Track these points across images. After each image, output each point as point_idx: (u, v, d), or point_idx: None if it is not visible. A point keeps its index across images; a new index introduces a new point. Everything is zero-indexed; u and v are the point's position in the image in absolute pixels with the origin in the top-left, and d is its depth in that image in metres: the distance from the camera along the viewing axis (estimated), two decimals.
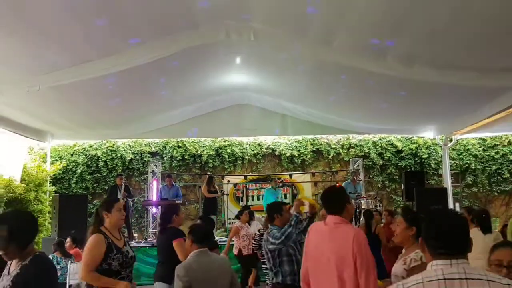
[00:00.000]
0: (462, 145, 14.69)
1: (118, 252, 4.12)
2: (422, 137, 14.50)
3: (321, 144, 14.89)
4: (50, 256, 8.16)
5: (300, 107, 12.10)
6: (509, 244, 3.12)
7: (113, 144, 14.56)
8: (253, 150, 14.76)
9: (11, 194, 10.86)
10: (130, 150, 14.62)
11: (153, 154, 14.75)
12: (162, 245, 5.41)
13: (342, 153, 14.82)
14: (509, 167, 14.59)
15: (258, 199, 14.10)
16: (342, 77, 8.76)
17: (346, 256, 3.31)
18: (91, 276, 3.98)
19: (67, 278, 7.96)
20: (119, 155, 14.49)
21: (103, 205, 4.33)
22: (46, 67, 7.40)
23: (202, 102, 11.86)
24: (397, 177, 14.68)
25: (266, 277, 8.06)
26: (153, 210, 12.68)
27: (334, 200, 3.66)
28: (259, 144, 14.86)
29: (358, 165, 13.91)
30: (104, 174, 14.44)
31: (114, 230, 4.25)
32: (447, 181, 12.66)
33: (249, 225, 9.15)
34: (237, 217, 9.60)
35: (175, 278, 3.97)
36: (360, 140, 14.87)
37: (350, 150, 14.85)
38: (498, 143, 14.77)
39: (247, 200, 13.72)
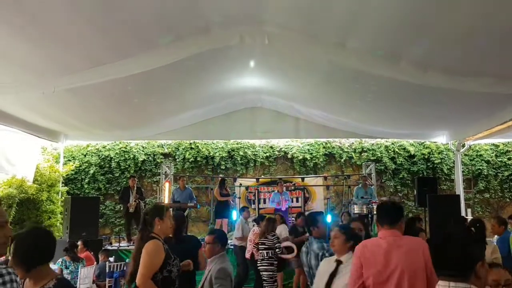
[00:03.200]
0: (474, 151, 14.62)
1: (175, 259, 4.06)
2: (434, 142, 14.46)
3: (333, 147, 14.86)
4: (60, 260, 8.20)
5: (313, 110, 12.07)
6: (498, 265, 3.35)
7: (126, 145, 14.64)
8: (265, 153, 14.78)
9: (23, 195, 10.95)
10: (143, 151, 14.68)
11: (165, 155, 14.80)
12: (186, 253, 4.96)
13: (355, 157, 14.79)
14: None
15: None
16: (356, 81, 8.72)
17: (418, 268, 3.36)
18: (150, 285, 3.82)
19: (78, 283, 7.94)
20: (131, 156, 14.55)
21: (155, 211, 4.20)
22: (62, 70, 7.43)
23: (215, 105, 11.87)
24: (409, 182, 14.63)
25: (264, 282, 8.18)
26: None
27: (394, 215, 3.72)
28: (271, 147, 14.87)
29: (371, 169, 13.87)
30: (117, 175, 14.50)
31: (162, 238, 4.15)
32: (459, 187, 12.58)
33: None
34: (257, 222, 9.61)
35: (228, 279, 4.06)
36: (373, 144, 14.84)
37: (362, 154, 14.82)
38: (510, 149, 14.70)
39: (258, 203, 13.69)
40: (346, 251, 4.10)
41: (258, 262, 8.38)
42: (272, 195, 12.91)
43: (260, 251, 8.36)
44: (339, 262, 4.04)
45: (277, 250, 8.28)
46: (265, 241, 8.33)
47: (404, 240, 3.60)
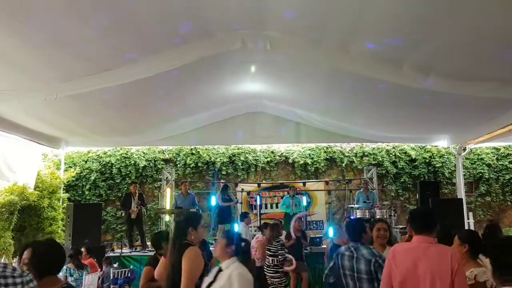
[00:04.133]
0: (475, 154, 14.62)
1: (206, 265, 4.07)
2: (435, 146, 14.45)
3: (334, 152, 14.86)
4: (64, 268, 8.14)
5: (314, 115, 12.07)
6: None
7: (127, 151, 14.62)
8: (266, 158, 14.76)
9: (25, 202, 10.93)
10: (143, 157, 14.67)
11: (166, 161, 14.78)
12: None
13: (356, 161, 14.78)
14: None
15: (271, 207, 14.08)
16: (358, 85, 8.72)
17: (446, 274, 3.49)
18: None
19: None
20: (132, 162, 14.54)
21: (190, 220, 4.19)
22: (63, 76, 7.44)
23: (216, 110, 11.86)
24: (410, 186, 14.63)
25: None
26: (167, 218, 12.68)
27: (428, 221, 3.82)
28: (272, 152, 14.86)
29: (372, 174, 13.87)
30: (118, 181, 14.49)
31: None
32: (461, 191, 12.56)
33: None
34: (261, 230, 9.51)
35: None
36: (374, 148, 14.84)
37: (363, 158, 14.82)
38: (511, 153, 14.67)
39: (260, 208, 13.67)
40: (227, 257, 4.06)
41: (265, 268, 8.36)
42: (283, 199, 12.93)
43: (267, 258, 8.35)
44: (219, 270, 4.01)
45: (279, 257, 8.27)
46: (270, 247, 8.32)
47: (435, 246, 3.71)
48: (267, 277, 8.35)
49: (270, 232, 8.44)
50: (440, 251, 3.65)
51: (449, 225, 5.70)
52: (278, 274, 8.24)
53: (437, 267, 3.55)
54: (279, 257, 8.28)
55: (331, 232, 12.01)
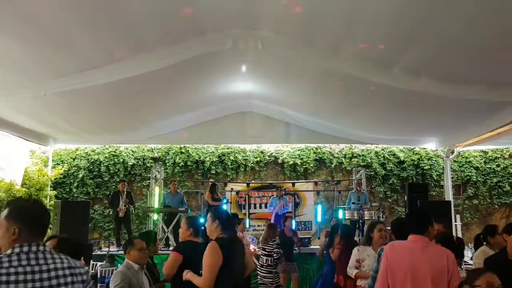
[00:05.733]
0: (463, 157, 14.73)
1: None
2: (424, 148, 14.54)
3: (324, 153, 14.89)
4: None
5: (304, 116, 12.08)
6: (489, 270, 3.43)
7: (116, 149, 14.54)
8: (256, 158, 14.75)
9: (12, 198, 10.81)
10: (132, 155, 14.59)
11: (155, 159, 14.73)
12: None
13: (345, 163, 14.82)
14: (510, 180, 14.67)
15: (260, 207, 14.08)
16: (347, 87, 8.75)
17: (442, 273, 3.64)
18: None
19: None
20: (121, 160, 14.45)
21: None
22: (52, 73, 7.39)
23: (206, 109, 11.83)
24: (398, 187, 14.70)
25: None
26: (155, 217, 12.63)
27: (423, 221, 3.95)
28: (262, 152, 14.86)
29: (361, 175, 13.90)
30: (106, 179, 14.40)
31: None
32: (449, 193, 12.67)
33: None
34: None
35: None
36: (363, 150, 14.89)
37: (352, 160, 14.86)
38: (499, 156, 14.83)
39: (249, 207, 13.67)
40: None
41: (258, 268, 8.35)
42: (270, 199, 12.94)
43: (261, 257, 8.33)
44: None
45: (274, 256, 8.27)
46: (265, 247, 8.31)
47: (431, 246, 3.87)
48: (259, 276, 8.35)
49: (267, 232, 8.44)
50: (437, 251, 3.80)
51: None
52: (271, 275, 8.23)
53: (435, 267, 3.67)
54: (274, 256, 8.27)
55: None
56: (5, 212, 2.52)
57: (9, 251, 2.39)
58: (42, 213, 2.61)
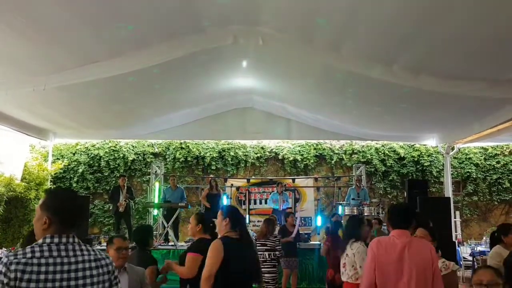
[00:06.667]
0: (463, 154, 14.72)
1: None
2: (424, 145, 14.53)
3: (324, 149, 14.89)
4: None
5: (304, 112, 12.05)
6: (490, 267, 3.59)
7: (116, 144, 14.54)
8: (256, 154, 14.74)
9: (11, 193, 10.84)
10: (132, 150, 14.59)
11: (155, 155, 14.72)
12: None
13: (345, 159, 14.82)
14: (509, 177, 14.66)
15: (260, 203, 14.07)
16: (348, 84, 8.74)
17: (427, 267, 3.77)
18: None
19: None
20: (121, 155, 14.46)
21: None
22: (52, 67, 7.37)
23: (207, 105, 11.81)
24: (398, 184, 14.70)
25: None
26: (155, 212, 12.63)
27: (408, 217, 4.06)
28: (262, 148, 14.86)
29: (361, 171, 13.90)
30: (106, 174, 14.41)
31: None
32: (448, 190, 12.67)
33: None
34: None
35: None
36: (363, 146, 14.88)
37: (352, 156, 14.86)
38: (499, 153, 14.82)
39: (249, 203, 13.67)
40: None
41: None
42: (271, 195, 12.92)
43: (261, 253, 8.25)
44: None
45: (277, 253, 8.26)
46: (266, 242, 8.26)
47: (414, 240, 3.98)
48: None
49: (266, 227, 8.42)
50: (421, 245, 3.94)
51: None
52: (274, 269, 8.20)
53: (421, 260, 3.79)
54: (277, 252, 8.26)
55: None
56: (41, 200, 2.60)
57: (40, 241, 2.46)
58: (75, 205, 2.67)
